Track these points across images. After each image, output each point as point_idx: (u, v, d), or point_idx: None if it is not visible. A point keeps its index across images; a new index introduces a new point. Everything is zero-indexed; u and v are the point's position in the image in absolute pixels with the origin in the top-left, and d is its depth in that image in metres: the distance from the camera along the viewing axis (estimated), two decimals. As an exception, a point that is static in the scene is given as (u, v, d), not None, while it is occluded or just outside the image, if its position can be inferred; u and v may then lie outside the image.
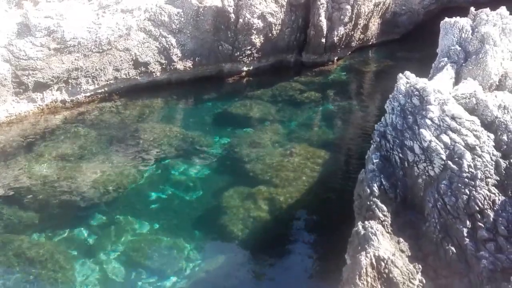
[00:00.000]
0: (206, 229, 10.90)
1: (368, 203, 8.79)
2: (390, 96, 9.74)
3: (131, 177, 12.54)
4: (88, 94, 16.46)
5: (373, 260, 7.50)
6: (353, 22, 19.36)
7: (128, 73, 16.95)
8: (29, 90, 15.18)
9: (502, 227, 7.79)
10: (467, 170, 8.18)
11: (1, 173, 12.63)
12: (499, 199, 8.04)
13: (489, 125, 8.86)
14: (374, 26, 20.92)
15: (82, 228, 10.89)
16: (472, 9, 12.06)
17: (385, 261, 7.49)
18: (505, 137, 8.61)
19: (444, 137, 8.55)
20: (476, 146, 8.39)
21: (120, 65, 16.61)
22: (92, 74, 16.18)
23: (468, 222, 7.97)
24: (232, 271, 9.77)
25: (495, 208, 7.97)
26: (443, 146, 8.50)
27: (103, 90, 16.74)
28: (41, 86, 15.38)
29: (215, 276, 9.67)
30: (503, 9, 11.72)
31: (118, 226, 10.96)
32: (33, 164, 12.99)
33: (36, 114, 15.48)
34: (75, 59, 15.62)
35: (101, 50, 15.99)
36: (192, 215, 11.39)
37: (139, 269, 9.84)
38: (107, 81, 16.65)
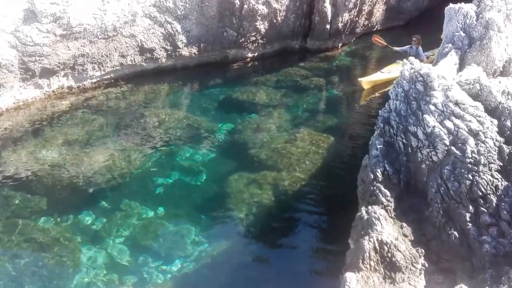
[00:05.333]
0: (211, 214, 10.98)
1: (372, 188, 8.86)
2: (394, 82, 9.77)
3: (137, 162, 12.64)
4: (94, 80, 16.53)
5: (376, 245, 7.56)
6: (357, 8, 19.32)
7: (134, 59, 16.99)
8: (35, 76, 15.25)
9: (505, 212, 7.85)
10: (470, 156, 8.23)
11: (9, 158, 12.74)
12: (502, 185, 8.09)
13: (493, 110, 8.88)
14: (379, 12, 20.86)
15: (89, 213, 10.98)
16: (477, -6, 12.03)
17: (388, 245, 7.56)
18: (508, 123, 8.64)
19: (448, 123, 8.59)
20: (480, 132, 8.42)
21: (126, 51, 16.65)
22: (98, 61, 16.23)
23: (471, 207, 8.04)
24: (237, 255, 9.87)
25: (498, 194, 8.01)
26: (446, 132, 8.54)
27: (109, 76, 16.80)
28: (47, 72, 15.45)
29: (220, 259, 9.77)
30: (508, -5, 11.70)
31: (124, 211, 11.05)
32: (40, 149, 13.09)
33: (43, 100, 15.58)
34: (81, 46, 15.67)
35: (106, 37, 16.02)
36: (198, 199, 11.48)
37: (145, 254, 9.91)
38: (113, 67, 16.71)
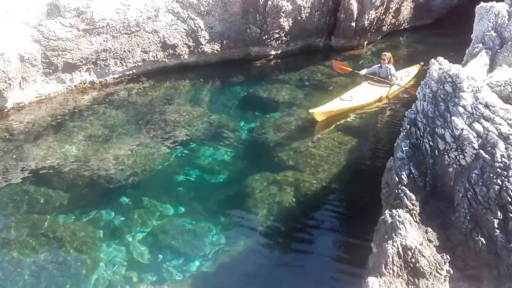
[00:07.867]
0: (231, 214, 10.87)
1: (396, 191, 8.64)
2: (422, 82, 9.53)
3: (158, 159, 12.59)
4: (116, 75, 16.55)
5: (400, 249, 7.36)
6: (384, 5, 19.04)
7: (156, 55, 16.97)
8: (58, 70, 15.31)
9: (535, 219, 7.59)
10: (499, 160, 7.95)
11: (30, 152, 12.79)
12: (532, 191, 7.82)
13: (524, 114, 8.60)
14: (406, 10, 20.55)
15: (109, 209, 10.93)
16: (509, -7, 11.74)
17: (412, 251, 7.35)
18: (540, 127, 8.35)
19: (477, 126, 8.33)
20: (510, 136, 8.13)
21: (148, 47, 16.63)
22: (121, 56, 16.24)
23: (499, 213, 7.76)
24: (256, 256, 9.72)
25: (528, 200, 7.76)
26: (475, 135, 8.28)
27: (131, 72, 16.82)
28: (70, 67, 15.51)
29: (239, 260, 9.64)
30: (541, -6, 11.40)
31: (144, 208, 10.98)
32: (62, 144, 13.12)
33: (65, 94, 15.67)
34: (104, 41, 15.69)
35: (129, 32, 16.02)
36: (217, 198, 11.36)
37: (164, 252, 9.82)
38: (135, 63, 16.71)
